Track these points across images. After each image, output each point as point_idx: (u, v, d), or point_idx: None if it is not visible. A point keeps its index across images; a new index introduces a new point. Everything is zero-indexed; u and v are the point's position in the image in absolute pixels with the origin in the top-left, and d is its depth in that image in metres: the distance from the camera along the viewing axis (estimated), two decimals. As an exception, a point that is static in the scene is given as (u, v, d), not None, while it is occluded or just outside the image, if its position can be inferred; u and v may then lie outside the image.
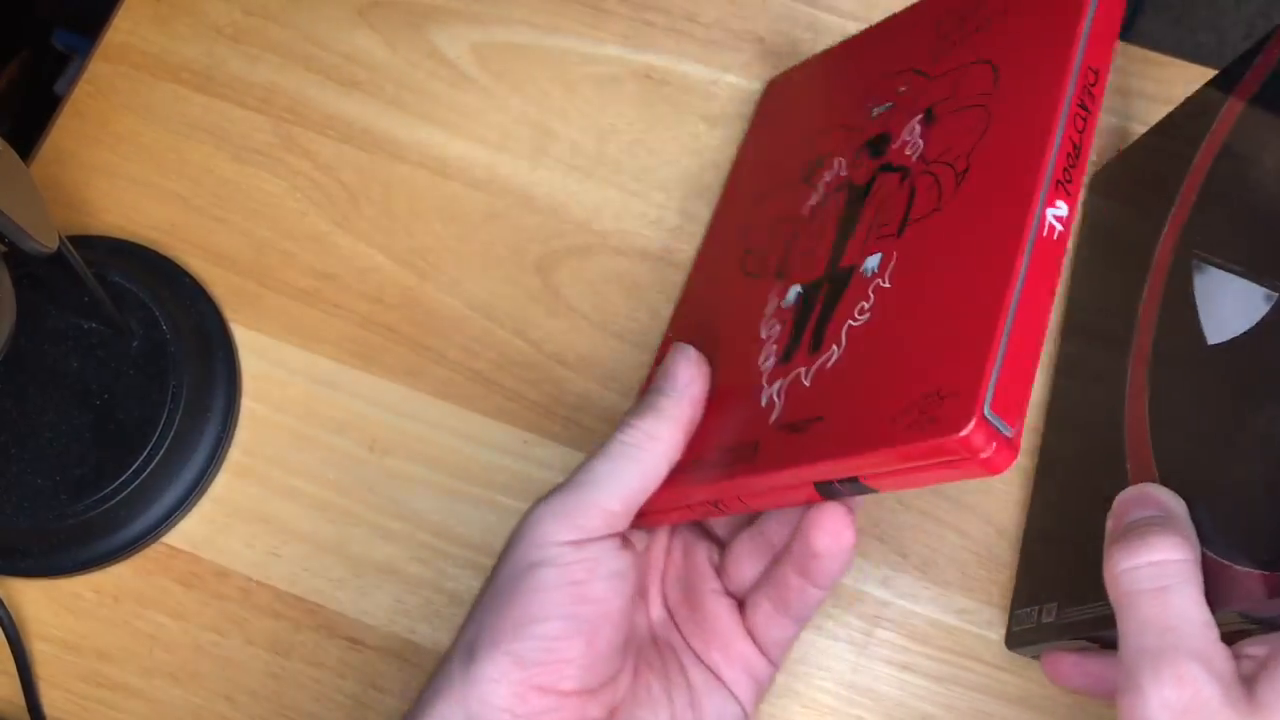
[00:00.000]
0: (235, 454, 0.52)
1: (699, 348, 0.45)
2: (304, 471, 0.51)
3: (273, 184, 0.55)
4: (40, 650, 0.50)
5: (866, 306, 0.41)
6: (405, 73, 0.57)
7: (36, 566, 0.50)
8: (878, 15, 0.57)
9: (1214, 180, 0.45)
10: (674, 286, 0.54)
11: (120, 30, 0.57)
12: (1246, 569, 0.35)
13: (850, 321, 0.41)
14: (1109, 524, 0.39)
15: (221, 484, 0.51)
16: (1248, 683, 0.34)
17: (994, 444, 0.33)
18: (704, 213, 0.55)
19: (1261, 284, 0.40)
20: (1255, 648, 0.35)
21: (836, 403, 0.38)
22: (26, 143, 0.56)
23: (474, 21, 0.58)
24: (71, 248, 0.45)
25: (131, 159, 0.56)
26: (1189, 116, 0.48)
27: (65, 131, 0.56)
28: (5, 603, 0.49)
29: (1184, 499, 0.38)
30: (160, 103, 0.56)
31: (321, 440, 0.52)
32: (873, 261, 0.42)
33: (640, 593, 0.43)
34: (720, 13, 0.58)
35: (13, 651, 0.48)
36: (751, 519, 0.43)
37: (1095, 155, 0.55)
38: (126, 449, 0.49)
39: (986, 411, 0.32)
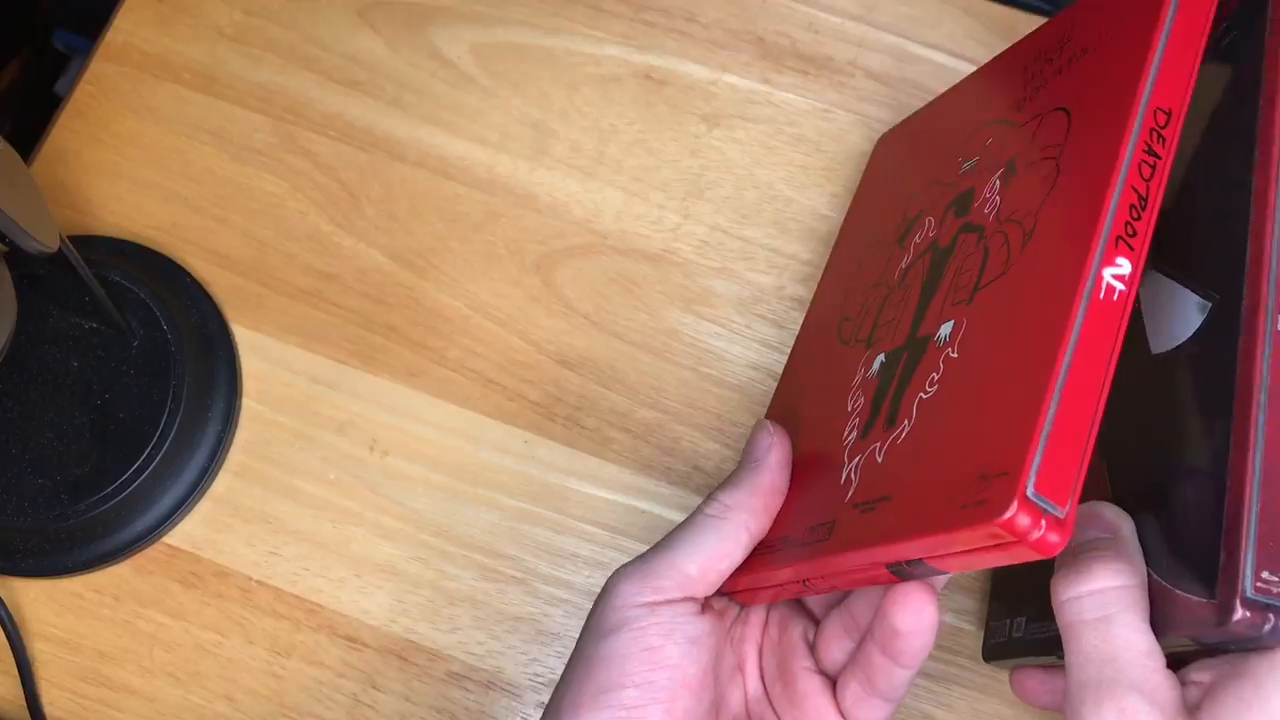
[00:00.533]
0: (236, 454, 0.52)
1: (796, 418, 0.45)
2: (304, 471, 0.51)
3: (274, 184, 0.55)
4: (41, 650, 0.50)
5: (936, 378, 0.40)
6: (406, 73, 0.57)
7: (37, 566, 0.50)
8: (878, 15, 0.57)
9: None
10: (675, 286, 0.54)
11: (121, 31, 0.57)
12: (1188, 595, 0.34)
13: (921, 394, 0.40)
14: None
15: (222, 484, 0.51)
16: (1193, 711, 0.33)
17: (1042, 524, 0.31)
18: (706, 213, 0.55)
19: (1196, 291, 0.38)
20: (1201, 674, 0.34)
21: (902, 482, 0.37)
22: (27, 143, 0.56)
23: (474, 21, 0.58)
24: (72, 248, 0.45)
25: (132, 159, 0.56)
26: None
27: (66, 132, 0.56)
28: (6, 602, 0.49)
29: (1134, 517, 0.37)
30: (161, 103, 0.56)
31: (322, 440, 0.52)
32: (945, 330, 0.41)
33: (737, 667, 0.43)
34: (720, 13, 0.58)
35: (13, 651, 0.49)
36: (842, 597, 0.42)
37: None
38: (127, 449, 0.49)
39: (1030, 493, 0.31)
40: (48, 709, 0.49)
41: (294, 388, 0.53)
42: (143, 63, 0.57)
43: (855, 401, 0.43)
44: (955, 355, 0.39)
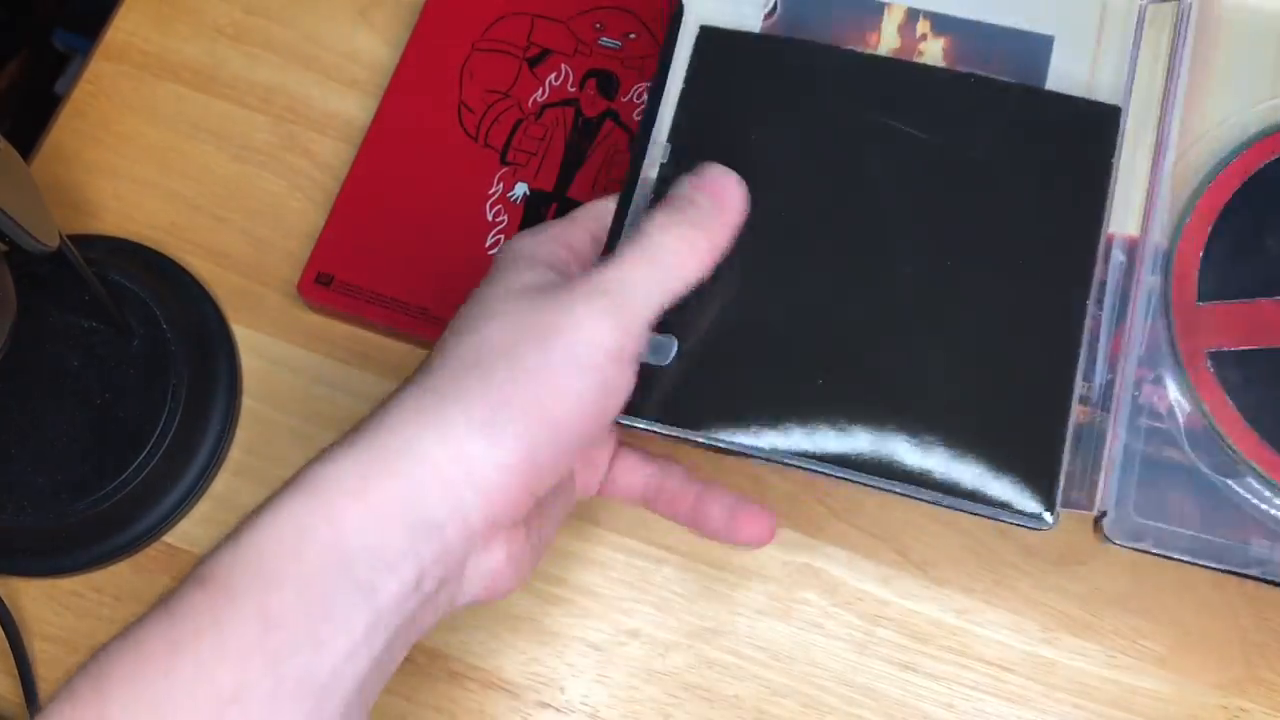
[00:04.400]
0: (236, 453, 0.52)
1: (417, 169, 0.51)
2: (304, 471, 0.51)
3: (273, 183, 0.55)
4: (41, 649, 0.49)
5: None
6: (405, 72, 0.57)
7: (37, 566, 0.50)
8: (878, 14, 0.57)
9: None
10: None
11: (121, 30, 0.57)
12: None
13: None
14: None
15: (222, 483, 0.51)
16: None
17: None
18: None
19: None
20: None
21: None
22: (27, 142, 0.56)
23: (474, 21, 0.58)
24: (72, 247, 0.45)
25: (132, 158, 0.56)
26: None
27: (66, 131, 0.56)
28: (6, 602, 0.49)
29: None
30: (161, 102, 0.56)
31: (322, 439, 0.51)
32: None
33: None
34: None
35: (13, 651, 0.48)
36: None
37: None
38: (127, 448, 0.49)
39: None
40: (47, 708, 0.49)
41: (294, 387, 0.52)
42: (142, 62, 0.57)
43: (497, 216, 0.49)
44: None
